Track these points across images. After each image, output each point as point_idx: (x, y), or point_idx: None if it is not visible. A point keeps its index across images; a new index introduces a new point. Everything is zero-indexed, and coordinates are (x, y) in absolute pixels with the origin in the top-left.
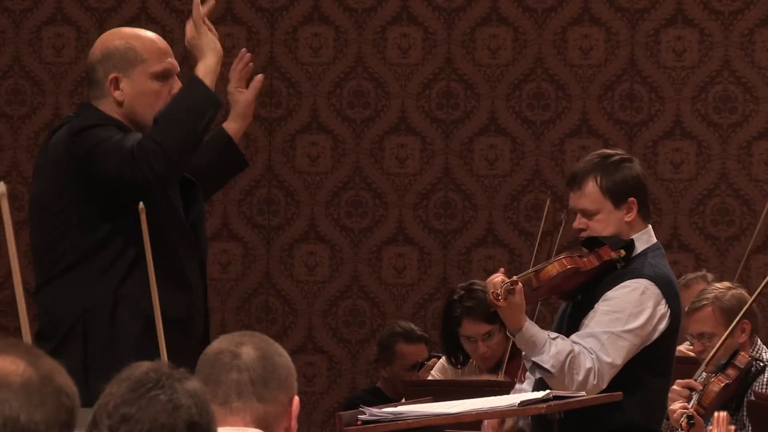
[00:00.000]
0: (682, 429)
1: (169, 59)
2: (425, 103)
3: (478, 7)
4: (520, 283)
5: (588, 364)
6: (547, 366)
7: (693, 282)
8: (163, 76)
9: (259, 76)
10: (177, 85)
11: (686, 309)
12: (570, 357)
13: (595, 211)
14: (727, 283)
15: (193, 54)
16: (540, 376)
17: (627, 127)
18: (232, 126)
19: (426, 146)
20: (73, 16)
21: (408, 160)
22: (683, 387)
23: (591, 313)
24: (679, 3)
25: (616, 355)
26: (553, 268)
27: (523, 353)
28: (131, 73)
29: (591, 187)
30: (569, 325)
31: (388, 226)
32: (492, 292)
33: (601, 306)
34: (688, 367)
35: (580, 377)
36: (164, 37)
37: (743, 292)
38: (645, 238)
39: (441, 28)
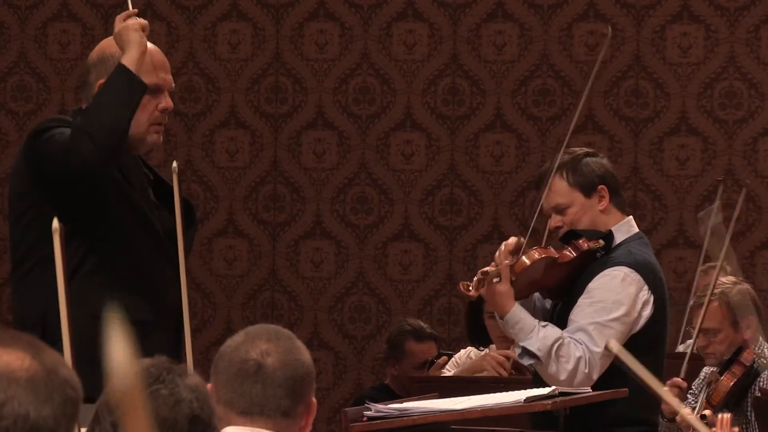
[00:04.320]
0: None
1: (162, 74)
2: (431, 100)
3: (484, 4)
4: (490, 273)
5: (578, 353)
6: (533, 349)
7: (711, 270)
8: (152, 89)
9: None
10: (167, 101)
11: (691, 303)
12: (558, 344)
13: (567, 205)
14: (732, 278)
15: (118, 46)
16: (530, 362)
17: (632, 124)
18: None
19: (431, 142)
20: (79, 12)
21: (413, 157)
22: (671, 387)
23: (575, 308)
24: None
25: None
26: (528, 258)
27: (512, 338)
28: None
29: (558, 182)
30: (559, 324)
31: (393, 223)
32: (463, 282)
33: (583, 299)
34: (676, 362)
35: (570, 366)
36: (169, 33)
37: (749, 287)
38: (625, 229)
39: (446, 24)
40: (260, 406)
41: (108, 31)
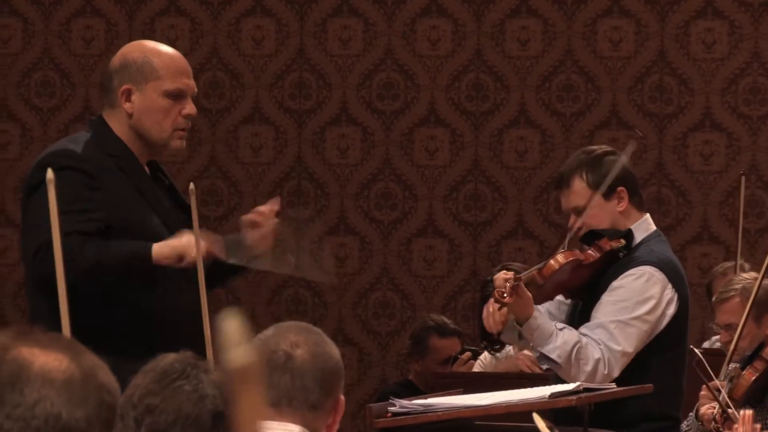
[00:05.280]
0: (716, 423)
1: (185, 79)
2: (455, 95)
3: None
4: (521, 283)
5: (596, 355)
6: (553, 356)
7: (730, 270)
8: (175, 95)
9: (267, 228)
10: (190, 106)
11: (714, 299)
12: (577, 347)
13: (587, 206)
14: (754, 274)
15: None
16: (547, 366)
17: (657, 119)
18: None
19: (455, 138)
20: (103, 8)
21: (437, 152)
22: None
23: (598, 305)
24: None
25: (626, 344)
26: (555, 262)
27: (531, 344)
28: (143, 87)
29: (578, 183)
30: (581, 323)
31: (417, 219)
32: (498, 290)
33: (607, 296)
34: (718, 359)
35: (589, 368)
36: (193, 29)
37: None
38: (644, 227)
39: (470, 20)
40: (288, 398)
41: (132, 26)
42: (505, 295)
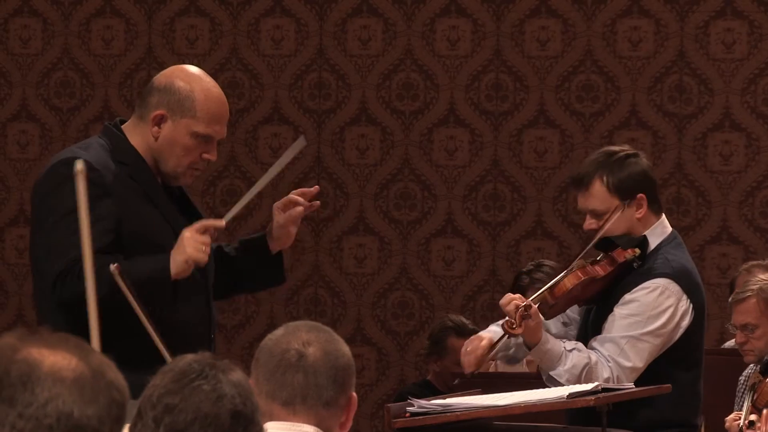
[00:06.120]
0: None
1: (218, 127)
2: (474, 95)
3: None
4: (534, 306)
5: (605, 374)
6: (562, 381)
7: (755, 269)
8: (203, 138)
9: (299, 209)
10: (213, 152)
11: (730, 299)
12: (586, 369)
13: (604, 211)
14: None
15: (177, 245)
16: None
17: (676, 119)
18: (271, 244)
19: (475, 138)
20: (122, 8)
21: (457, 152)
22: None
23: (610, 317)
24: None
25: (636, 359)
26: (569, 281)
27: (539, 365)
28: (177, 120)
29: (598, 186)
30: (593, 331)
31: (436, 218)
32: (507, 321)
33: (619, 310)
34: (733, 359)
35: None
36: (213, 29)
37: None
38: (659, 231)
39: (490, 20)
40: (302, 396)
41: (152, 27)
42: (515, 326)
